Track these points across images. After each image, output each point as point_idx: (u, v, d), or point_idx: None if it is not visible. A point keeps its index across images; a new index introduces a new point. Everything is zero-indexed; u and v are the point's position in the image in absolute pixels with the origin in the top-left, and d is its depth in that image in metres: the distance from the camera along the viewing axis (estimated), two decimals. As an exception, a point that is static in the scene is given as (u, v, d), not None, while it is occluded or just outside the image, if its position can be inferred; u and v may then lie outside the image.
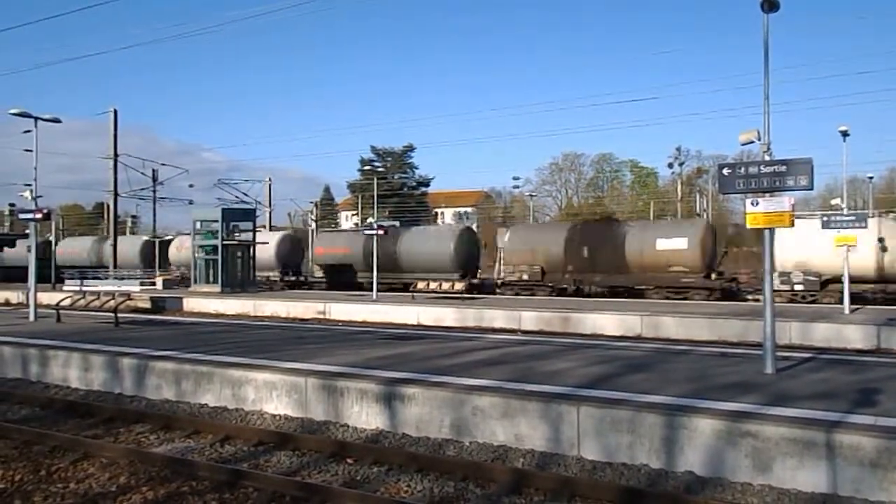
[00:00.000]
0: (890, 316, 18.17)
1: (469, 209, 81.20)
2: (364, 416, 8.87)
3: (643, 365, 10.73)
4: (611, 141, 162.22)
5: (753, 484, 6.50)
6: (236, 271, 32.70)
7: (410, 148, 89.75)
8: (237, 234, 33.32)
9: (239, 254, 33.04)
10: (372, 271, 29.27)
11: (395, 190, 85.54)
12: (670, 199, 72.38)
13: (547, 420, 7.77)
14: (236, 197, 41.74)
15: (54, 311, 17.85)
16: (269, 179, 53.95)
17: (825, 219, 20.18)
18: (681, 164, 64.13)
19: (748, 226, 10.27)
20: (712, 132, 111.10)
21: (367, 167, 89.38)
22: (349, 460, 7.52)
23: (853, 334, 15.95)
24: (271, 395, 9.68)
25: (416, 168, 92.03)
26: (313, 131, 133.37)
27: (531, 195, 56.86)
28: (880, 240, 24.21)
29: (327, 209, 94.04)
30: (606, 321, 19.08)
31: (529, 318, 20.26)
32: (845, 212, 22.08)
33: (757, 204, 9.67)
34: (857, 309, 21.12)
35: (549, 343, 14.19)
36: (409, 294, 29.36)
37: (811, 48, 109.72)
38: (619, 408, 7.48)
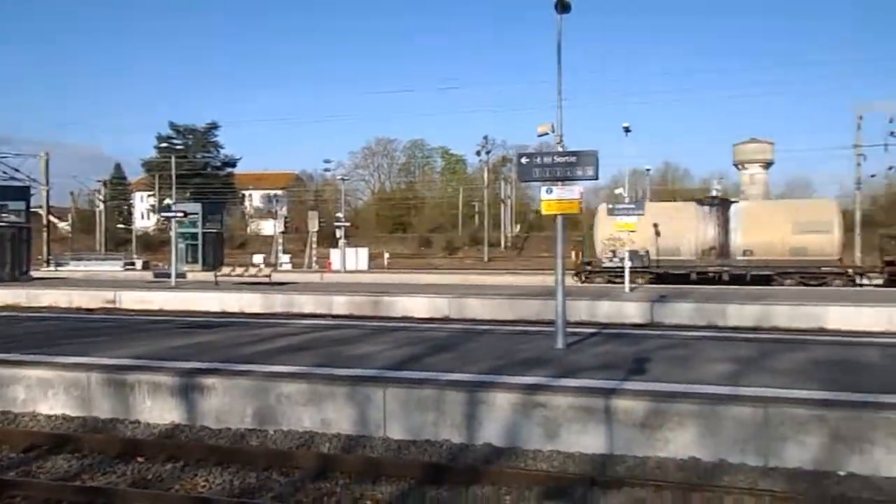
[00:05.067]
0: (661, 293, 20.45)
1: (279, 191, 78.86)
2: (157, 410, 8.28)
3: (449, 345, 11.10)
4: (423, 128, 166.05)
5: (544, 450, 6.98)
6: (4, 258, 28.81)
7: (214, 126, 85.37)
8: (4, 216, 29.23)
9: (9, 237, 29.08)
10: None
11: (197, 170, 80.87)
12: (478, 185, 75.60)
13: (354, 403, 7.76)
14: (4, 173, 37.06)
15: None
16: (46, 154, 48.51)
17: (610, 206, 22.23)
18: (487, 153, 67.06)
19: (543, 212, 10.98)
20: (517, 123, 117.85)
21: (164, 144, 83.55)
22: (140, 459, 6.98)
23: (631, 310, 17.72)
24: (46, 393, 8.71)
25: (222, 147, 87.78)
26: (100, 103, 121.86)
27: (343, 178, 56.41)
28: (655, 225, 27.19)
29: (119, 189, 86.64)
30: (416, 304, 19.50)
31: (341, 303, 20.16)
32: (626, 201, 24.41)
33: (551, 192, 10.35)
34: (636, 287, 23.54)
35: (358, 327, 14.21)
36: (213, 280, 27.94)
37: (605, 48, 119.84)
38: (424, 387, 7.67)
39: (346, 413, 7.77)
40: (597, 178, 10.41)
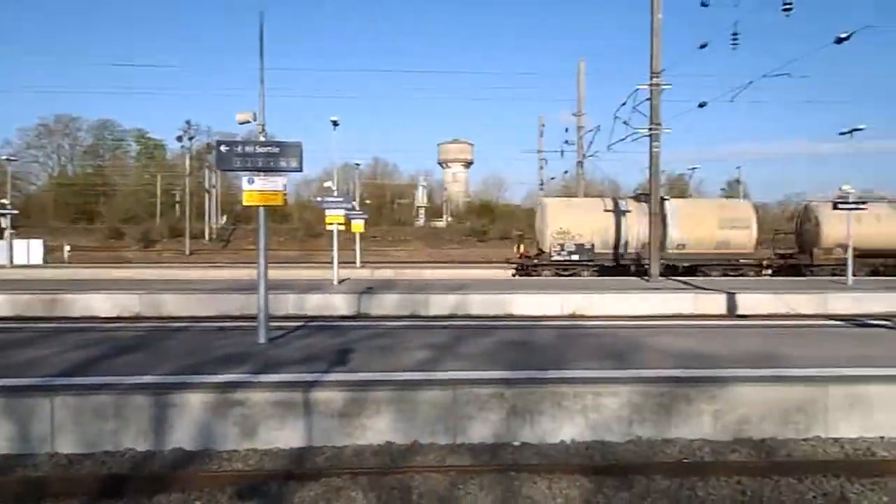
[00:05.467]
0: (368, 284, 21.10)
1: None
2: None
3: (138, 345, 10.10)
4: (114, 107, 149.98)
5: (240, 450, 6.67)
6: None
7: None
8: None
9: None
10: None
11: None
12: (180, 173, 70.59)
13: (12, 417, 6.63)
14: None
15: None
16: None
17: (318, 199, 22.31)
18: (190, 139, 62.89)
19: (245, 203, 10.52)
20: (227, 109, 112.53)
21: None
22: None
23: (339, 302, 17.95)
24: None
25: None
26: None
27: (9, 159, 48.53)
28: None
29: None
30: (100, 301, 17.49)
31: (1, 303, 17.26)
32: (335, 194, 24.73)
33: (253, 182, 9.97)
34: (345, 280, 23.97)
35: (25, 329, 12.28)
36: None
37: (316, 42, 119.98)
38: (101, 393, 6.83)
39: (3, 429, 6.60)
40: (301, 170, 10.27)
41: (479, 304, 17.74)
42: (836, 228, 27.25)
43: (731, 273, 28.78)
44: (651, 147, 23.24)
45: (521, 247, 31.70)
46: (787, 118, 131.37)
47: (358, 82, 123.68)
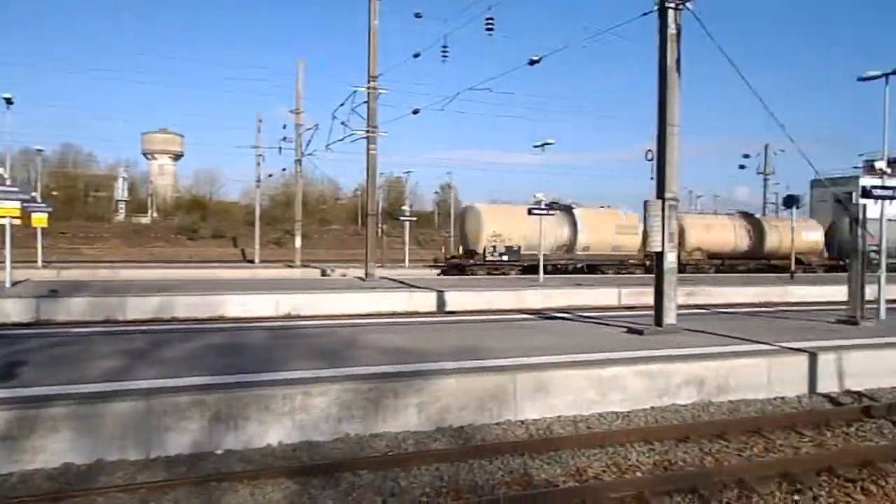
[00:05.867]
0: (53, 286, 18.50)
1: None
2: None
3: None
4: None
5: None
6: None
7: None
8: None
9: None
10: None
11: None
12: None
13: None
14: None
15: None
16: None
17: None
18: None
19: None
20: None
21: None
22: None
23: (10, 308, 15.47)
24: None
25: None
26: None
27: None
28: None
29: None
30: None
31: None
32: (8, 183, 21.09)
33: None
34: (22, 282, 20.74)
35: None
36: None
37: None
38: None
39: None
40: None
41: (186, 306, 16.61)
42: (695, 235, 35.32)
43: (623, 271, 33.48)
44: (368, 149, 23.88)
45: (444, 248, 35.22)
46: (490, 129, 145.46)
47: (42, 58, 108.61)
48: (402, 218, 40.59)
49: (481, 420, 7.67)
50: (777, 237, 37.49)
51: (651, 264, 39.28)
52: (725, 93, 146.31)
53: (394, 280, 24.68)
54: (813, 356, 9.41)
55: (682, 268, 33.95)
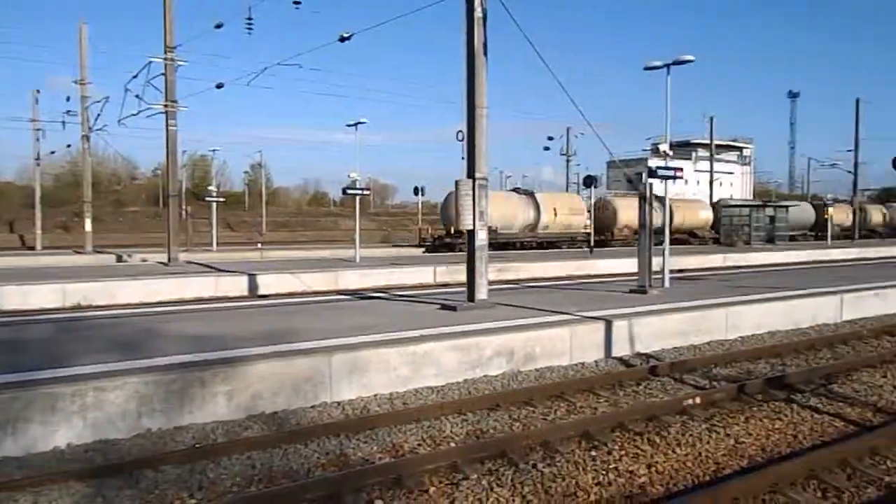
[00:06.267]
0: None
1: None
2: None
3: None
4: None
5: None
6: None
7: None
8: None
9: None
10: None
11: None
12: None
13: None
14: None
15: None
16: None
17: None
18: None
19: None
20: None
21: None
22: None
23: None
24: None
25: None
26: None
27: None
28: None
29: None
30: None
31: None
32: None
33: None
34: None
35: None
36: None
37: None
38: None
39: None
40: None
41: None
42: (626, 214, 40.25)
43: (573, 247, 38.22)
44: (167, 125, 22.22)
45: (429, 229, 41.36)
46: (301, 106, 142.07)
47: None
48: (208, 199, 38.33)
49: (296, 404, 7.46)
50: (681, 215, 43.38)
51: (603, 238, 40.86)
52: (533, 77, 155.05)
53: (200, 264, 23.31)
54: (608, 323, 10.25)
55: (613, 243, 40.47)
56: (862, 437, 6.47)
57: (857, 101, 50.22)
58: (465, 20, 11.57)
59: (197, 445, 6.27)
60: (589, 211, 38.98)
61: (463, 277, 12.45)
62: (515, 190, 42.49)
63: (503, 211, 35.30)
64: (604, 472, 5.66)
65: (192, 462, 5.79)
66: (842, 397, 8.01)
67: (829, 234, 43.90)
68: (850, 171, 52.50)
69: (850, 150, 51.63)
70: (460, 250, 33.17)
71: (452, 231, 34.50)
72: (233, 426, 6.83)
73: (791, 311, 12.81)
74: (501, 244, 34.66)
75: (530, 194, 39.78)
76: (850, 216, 51.98)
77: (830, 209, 45.23)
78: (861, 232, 51.52)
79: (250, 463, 5.85)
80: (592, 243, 34.69)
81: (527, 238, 37.96)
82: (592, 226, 37.57)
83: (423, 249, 36.82)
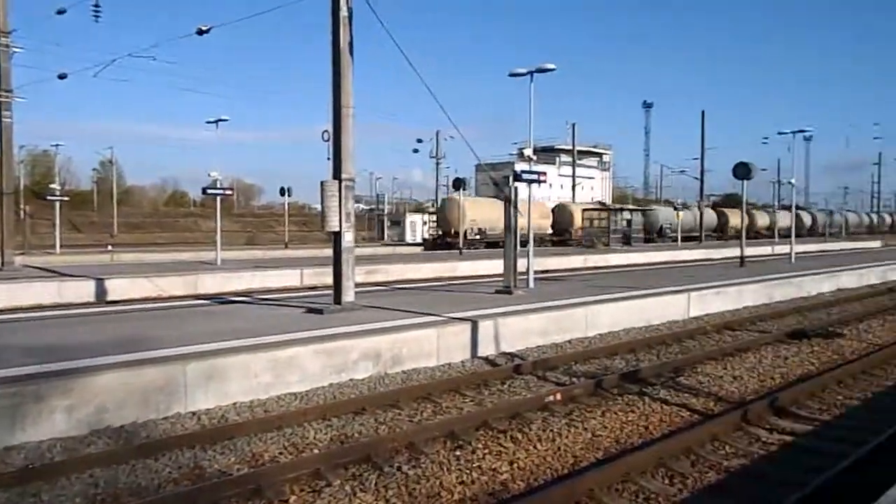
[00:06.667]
0: None
1: None
2: None
3: None
4: None
5: None
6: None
7: None
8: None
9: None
10: None
11: None
12: None
13: None
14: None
15: None
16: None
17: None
18: None
19: None
20: None
21: None
22: None
23: None
24: None
25: None
26: None
27: None
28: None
29: None
30: None
31: None
32: None
33: None
34: None
35: None
36: None
37: None
38: None
39: None
40: None
41: None
42: (581, 218, 47.46)
43: (540, 245, 38.30)
44: (1, 116, 20.21)
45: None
46: (159, 102, 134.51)
47: None
48: (50, 198, 35.31)
49: (146, 416, 6.96)
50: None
51: (563, 238, 47.27)
52: (403, 79, 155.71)
53: (40, 268, 21.38)
54: (474, 324, 10.40)
55: (570, 242, 46.10)
56: (704, 426, 6.94)
57: (703, 113, 54.81)
58: (331, 19, 11.37)
59: (30, 466, 5.69)
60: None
61: (330, 280, 12.20)
62: (496, 197, 45.56)
63: (489, 215, 40.61)
64: (467, 471, 5.70)
65: (22, 484, 5.23)
66: (688, 389, 8.59)
67: (678, 236, 47.59)
68: (696, 178, 56.96)
69: (696, 159, 56.11)
70: (458, 249, 35.60)
71: (453, 232, 39.97)
72: (73, 443, 6.26)
73: (644, 309, 13.62)
74: (489, 243, 40.70)
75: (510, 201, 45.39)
76: (697, 219, 56.15)
77: (680, 213, 49.43)
78: (749, 234, 55.70)
79: (93, 482, 5.37)
80: (462, 245, 35.37)
81: (503, 239, 42.24)
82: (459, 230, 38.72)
83: (422, 248, 43.13)
